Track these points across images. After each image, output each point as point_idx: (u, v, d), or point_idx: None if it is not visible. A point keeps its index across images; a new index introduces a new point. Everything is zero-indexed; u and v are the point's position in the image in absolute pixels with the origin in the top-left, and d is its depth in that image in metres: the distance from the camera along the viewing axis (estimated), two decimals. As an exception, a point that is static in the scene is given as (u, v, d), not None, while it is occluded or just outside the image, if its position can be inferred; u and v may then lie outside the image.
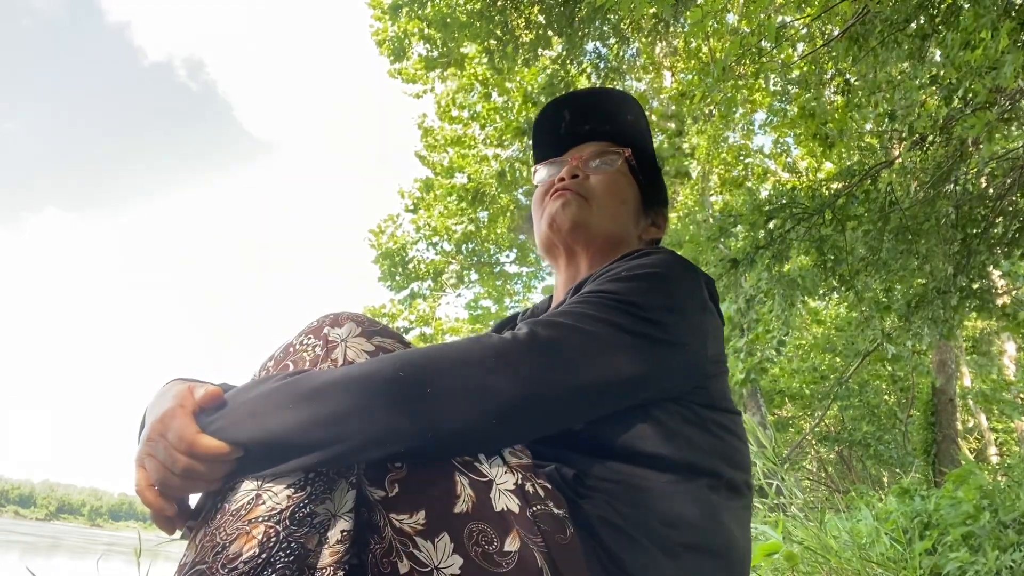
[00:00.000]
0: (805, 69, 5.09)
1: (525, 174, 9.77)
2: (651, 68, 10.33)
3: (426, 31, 7.86)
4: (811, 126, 5.07)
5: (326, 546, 0.62)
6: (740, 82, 5.00)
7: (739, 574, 0.80)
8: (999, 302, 5.19)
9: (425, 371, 0.65)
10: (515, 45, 5.64)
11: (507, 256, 12.76)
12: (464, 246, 12.10)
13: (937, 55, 4.00)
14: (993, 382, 11.31)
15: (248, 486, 0.61)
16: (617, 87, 7.06)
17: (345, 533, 0.63)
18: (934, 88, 4.19)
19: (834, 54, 4.30)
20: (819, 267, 4.83)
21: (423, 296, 12.36)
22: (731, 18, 6.30)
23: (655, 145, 1.14)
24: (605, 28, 5.85)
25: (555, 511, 0.70)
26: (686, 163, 9.01)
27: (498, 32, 5.58)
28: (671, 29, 6.62)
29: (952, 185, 4.46)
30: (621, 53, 6.67)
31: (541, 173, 1.11)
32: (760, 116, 9.79)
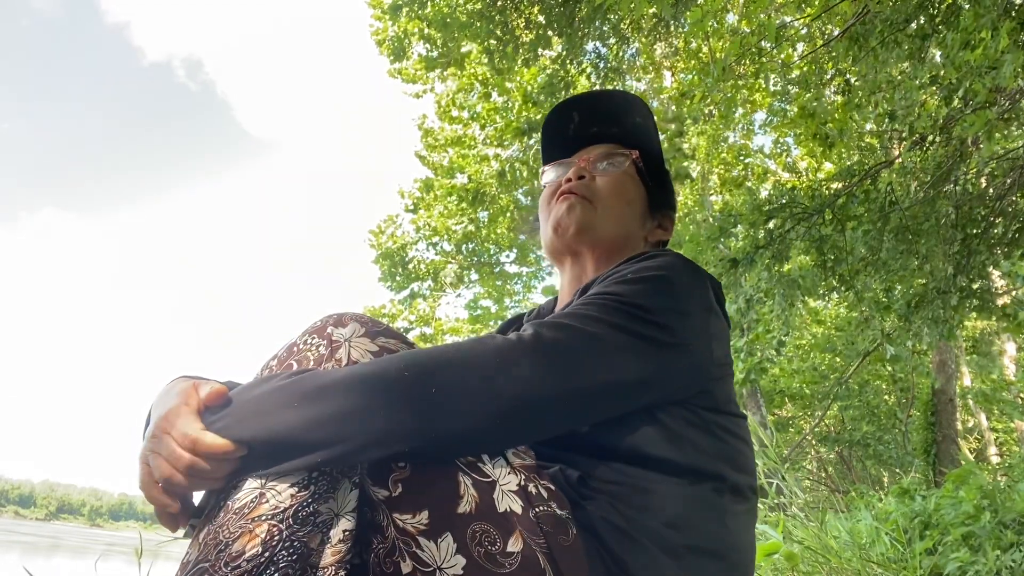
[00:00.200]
0: (805, 69, 5.10)
1: (525, 174, 9.77)
2: (651, 68, 10.33)
3: (426, 31, 7.87)
4: (811, 126, 5.07)
5: (329, 545, 0.62)
6: (740, 82, 5.00)
7: (742, 577, 0.80)
8: (999, 302, 5.20)
9: (430, 372, 0.65)
10: (515, 45, 5.64)
11: (507, 256, 12.77)
12: (464, 246, 12.11)
13: (937, 55, 4.00)
14: (993, 382, 11.32)
15: (251, 484, 0.61)
16: (617, 87, 7.07)
17: (348, 532, 0.63)
18: (934, 88, 4.20)
19: (834, 54, 4.31)
20: (819, 267, 4.83)
21: (423, 296, 12.37)
22: (731, 18, 6.30)
23: (661, 147, 1.14)
24: (605, 28, 5.85)
25: (558, 512, 0.70)
26: (686, 164, 9.01)
27: (498, 32, 5.58)
28: (671, 29, 6.62)
29: (952, 185, 4.46)
30: (621, 53, 6.67)
31: (549, 174, 1.11)
32: (760, 116, 9.81)
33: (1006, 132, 4.39)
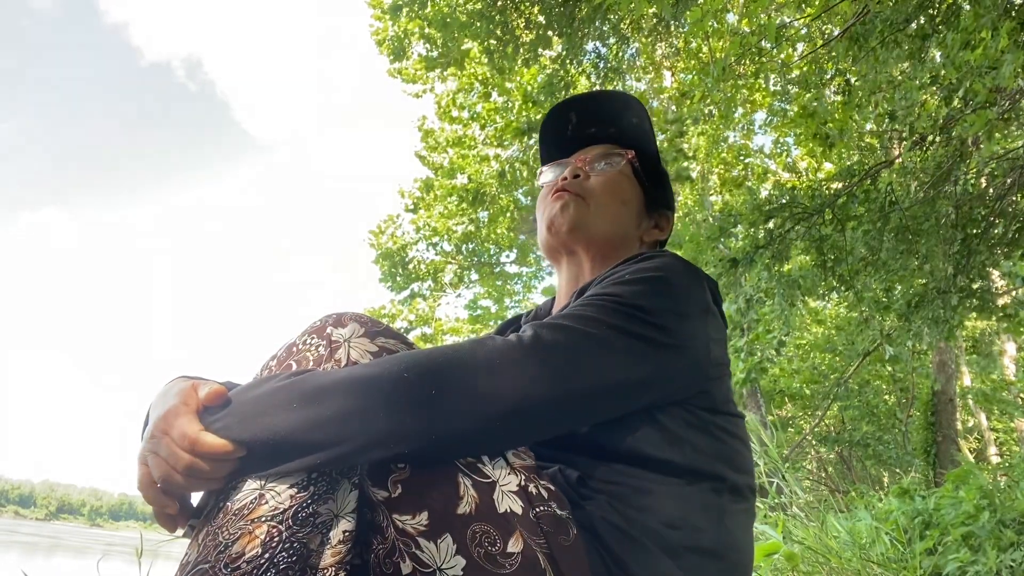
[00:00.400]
0: (805, 69, 5.09)
1: (525, 174, 9.77)
2: (651, 68, 10.33)
3: (426, 30, 7.86)
4: (811, 126, 5.07)
5: (328, 546, 0.62)
6: (740, 82, 5.00)
7: (741, 576, 0.80)
8: (999, 302, 5.20)
9: (430, 373, 0.65)
10: (515, 45, 5.63)
11: (507, 256, 12.77)
12: (464, 246, 12.11)
13: (937, 55, 4.00)
14: (993, 382, 11.32)
15: (251, 485, 0.61)
16: (617, 87, 7.07)
17: (348, 533, 0.63)
18: (934, 88, 4.20)
19: (834, 54, 4.30)
20: (819, 267, 4.83)
21: (423, 296, 12.36)
22: (731, 18, 6.30)
23: (658, 148, 1.15)
24: (605, 28, 5.85)
25: (558, 512, 0.70)
26: (686, 164, 9.01)
27: (498, 32, 5.58)
28: (671, 29, 6.62)
29: (952, 185, 4.46)
30: (621, 53, 6.67)
31: (547, 175, 1.11)
32: (760, 116, 9.80)
33: (1006, 132, 4.39)
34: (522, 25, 5.63)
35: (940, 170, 4.36)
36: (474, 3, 6.02)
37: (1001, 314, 5.21)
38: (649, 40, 7.65)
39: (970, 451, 10.68)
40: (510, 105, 10.11)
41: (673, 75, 10.32)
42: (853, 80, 4.58)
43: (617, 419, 0.76)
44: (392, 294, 12.28)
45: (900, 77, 4.56)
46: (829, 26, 5.15)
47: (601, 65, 6.71)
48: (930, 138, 4.30)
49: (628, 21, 6.00)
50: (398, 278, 12.02)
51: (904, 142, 4.86)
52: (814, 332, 12.37)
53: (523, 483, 0.69)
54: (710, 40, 6.54)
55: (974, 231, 4.56)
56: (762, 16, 4.40)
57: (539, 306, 1.14)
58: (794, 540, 2.51)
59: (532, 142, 8.45)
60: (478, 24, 5.72)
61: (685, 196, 10.40)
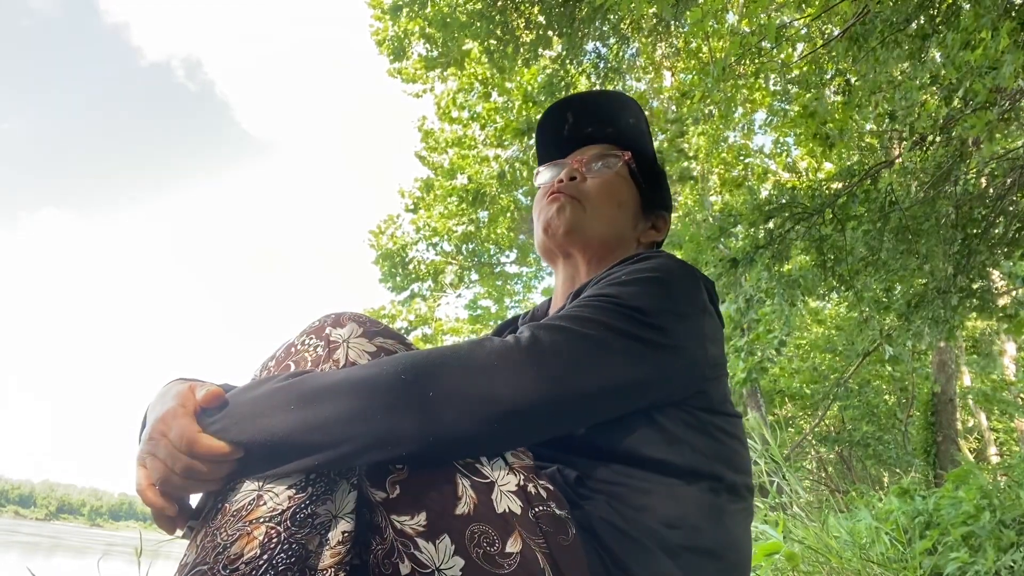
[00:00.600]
0: (805, 69, 5.09)
1: (525, 174, 9.77)
2: (651, 68, 10.33)
3: (426, 30, 7.86)
4: (811, 126, 5.07)
5: (327, 547, 0.62)
6: (740, 82, 5.00)
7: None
8: (999, 302, 5.19)
9: (427, 375, 0.65)
10: (515, 45, 5.63)
11: (507, 256, 12.76)
12: (464, 246, 12.10)
13: (937, 55, 4.00)
14: (993, 382, 11.32)
15: (249, 487, 0.61)
16: (617, 87, 7.07)
17: (346, 534, 0.63)
18: (934, 88, 4.19)
19: (834, 54, 4.30)
20: (819, 267, 4.82)
21: (423, 297, 12.36)
22: (731, 18, 6.30)
23: (656, 146, 1.15)
24: (605, 28, 5.85)
25: (557, 512, 0.70)
26: (686, 164, 9.01)
27: (498, 32, 5.57)
28: (671, 29, 6.62)
29: (952, 185, 4.46)
30: (621, 53, 6.67)
31: (543, 175, 1.11)
32: (760, 116, 9.79)
33: (1006, 132, 4.39)
34: (522, 25, 5.63)
35: (940, 170, 4.36)
36: (474, 3, 6.02)
37: (1001, 314, 5.20)
38: (649, 40, 7.65)
39: (970, 451, 10.68)
40: (510, 105, 10.11)
41: (673, 75, 10.32)
42: (853, 80, 4.57)
43: (615, 420, 0.76)
44: (392, 295, 12.29)
45: (900, 77, 4.56)
46: (829, 26, 5.14)
47: (601, 65, 6.72)
48: (930, 138, 4.30)
49: (628, 21, 6.00)
50: (398, 278, 12.02)
51: (904, 142, 4.85)
52: (814, 332, 12.37)
53: (522, 483, 0.69)
54: (710, 40, 6.54)
55: (974, 231, 4.55)
56: (762, 16, 4.39)
57: (536, 307, 1.14)
58: (794, 540, 2.51)
59: (532, 142, 8.45)
60: (478, 24, 5.72)
61: (685, 196, 10.40)
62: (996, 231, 4.54)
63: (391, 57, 9.48)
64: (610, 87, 6.73)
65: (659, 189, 1.10)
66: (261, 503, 0.60)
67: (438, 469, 0.65)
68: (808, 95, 5.12)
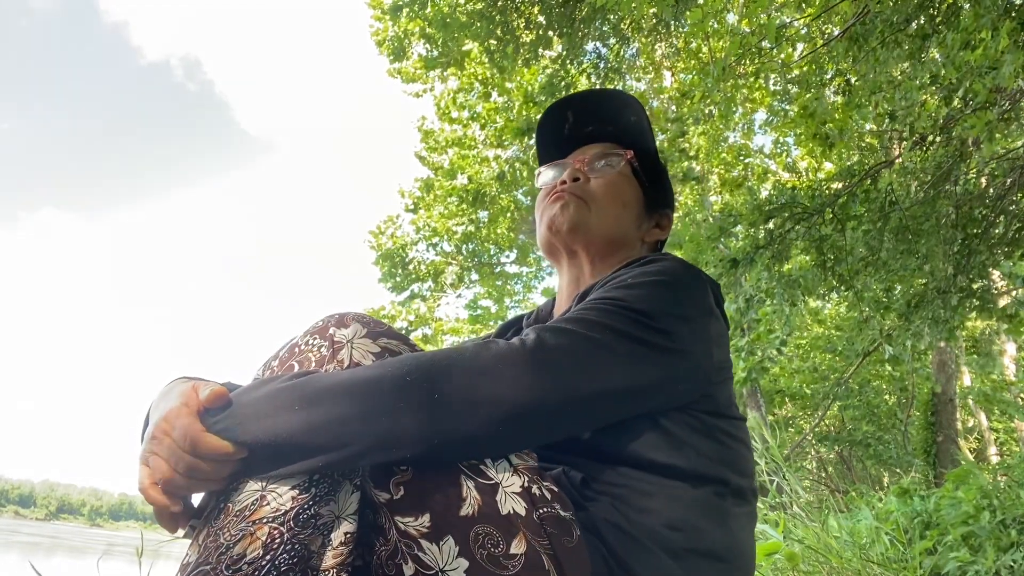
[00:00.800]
0: (805, 69, 5.09)
1: (525, 174, 9.78)
2: (651, 68, 10.33)
3: (426, 30, 7.86)
4: (811, 126, 5.06)
5: (330, 548, 0.62)
6: (740, 82, 5.00)
7: (743, 578, 0.80)
8: (1000, 302, 5.19)
9: (432, 377, 0.64)
10: (515, 45, 5.63)
11: (507, 256, 12.76)
12: (464, 246, 12.10)
13: (937, 55, 4.00)
14: (993, 382, 11.32)
15: (252, 487, 0.61)
16: (617, 87, 7.06)
17: (349, 535, 0.63)
18: (934, 88, 4.19)
19: (834, 54, 4.30)
20: (819, 267, 4.82)
21: (423, 297, 12.36)
22: (731, 18, 6.29)
23: (656, 146, 1.14)
24: (605, 28, 5.85)
25: (562, 514, 0.70)
26: (686, 164, 9.01)
27: (498, 32, 5.57)
28: (671, 29, 6.61)
29: (952, 185, 4.46)
30: (621, 53, 6.68)
31: (545, 175, 1.10)
32: (760, 116, 9.79)
33: (1006, 132, 4.38)
34: (522, 25, 5.63)
35: (940, 170, 4.36)
36: (474, 3, 6.02)
37: (1001, 314, 5.20)
38: (649, 40, 7.65)
39: (970, 451, 10.69)
40: (510, 105, 10.11)
41: (673, 75, 10.32)
42: (853, 80, 4.57)
43: (621, 423, 0.76)
44: (392, 295, 12.28)
45: (900, 77, 4.55)
46: (829, 26, 5.14)
47: (601, 65, 6.72)
48: (930, 138, 4.30)
49: (628, 21, 6.00)
50: (398, 278, 12.01)
51: (904, 142, 4.85)
52: (814, 332, 12.37)
53: (527, 484, 0.69)
54: (710, 40, 6.54)
55: (974, 231, 4.55)
56: (762, 16, 4.39)
57: (540, 307, 1.13)
58: (794, 540, 2.51)
59: (532, 142, 8.45)
60: (478, 24, 5.72)
61: (685, 196, 10.40)
62: (996, 231, 4.54)
63: (391, 57, 9.48)
64: (610, 87, 6.73)
65: (662, 187, 1.09)
66: (264, 503, 0.60)
67: (442, 470, 0.65)
68: (808, 95, 5.12)
